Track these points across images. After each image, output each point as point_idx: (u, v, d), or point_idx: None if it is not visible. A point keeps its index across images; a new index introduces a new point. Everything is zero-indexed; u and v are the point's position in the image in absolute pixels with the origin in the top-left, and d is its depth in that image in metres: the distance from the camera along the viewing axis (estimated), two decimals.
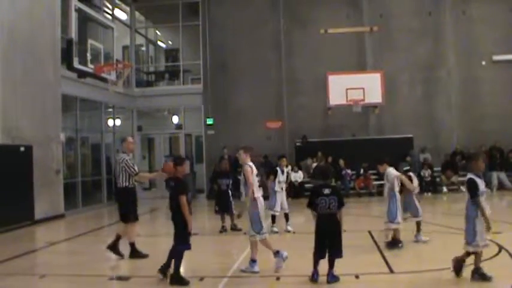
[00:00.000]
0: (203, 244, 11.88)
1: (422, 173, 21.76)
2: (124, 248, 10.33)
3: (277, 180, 13.03)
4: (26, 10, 16.11)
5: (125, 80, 20.63)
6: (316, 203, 7.81)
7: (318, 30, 23.24)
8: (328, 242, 7.78)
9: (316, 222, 7.89)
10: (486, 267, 8.46)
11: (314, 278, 7.78)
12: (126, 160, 10.11)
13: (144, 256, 10.17)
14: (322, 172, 8.35)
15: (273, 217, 13.05)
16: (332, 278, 7.72)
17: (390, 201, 10.25)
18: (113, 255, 10.23)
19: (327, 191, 7.87)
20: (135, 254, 10.24)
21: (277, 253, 8.51)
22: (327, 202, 7.79)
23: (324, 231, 7.79)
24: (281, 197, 13.05)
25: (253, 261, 8.46)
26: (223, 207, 13.26)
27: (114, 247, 10.29)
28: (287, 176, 13.56)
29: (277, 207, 12.95)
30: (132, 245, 10.30)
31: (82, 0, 17.46)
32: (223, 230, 13.14)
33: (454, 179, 21.97)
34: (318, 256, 7.80)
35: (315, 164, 22.62)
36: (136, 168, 10.18)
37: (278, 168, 13.26)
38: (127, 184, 10.15)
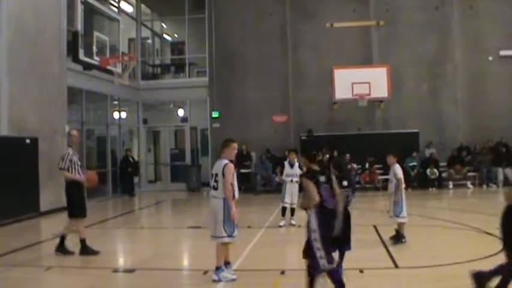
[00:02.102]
0: (207, 238, 11.91)
1: (428, 172, 21.72)
2: (101, 244, 10.31)
3: (284, 173, 13.21)
4: (31, 2, 16.12)
5: (131, 72, 20.61)
6: None
7: (324, 24, 23.17)
8: (342, 234, 7.80)
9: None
10: (491, 263, 8.46)
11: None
12: (64, 153, 9.98)
13: (71, 253, 9.93)
14: (337, 165, 8.34)
15: (283, 209, 13.15)
16: (342, 270, 7.76)
17: (396, 195, 10.23)
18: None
19: (345, 183, 7.94)
20: (62, 249, 9.97)
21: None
22: (344, 195, 7.84)
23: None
24: (291, 189, 13.10)
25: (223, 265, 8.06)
26: None
27: (62, 247, 10.07)
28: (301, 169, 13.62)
29: (286, 199, 13.04)
30: (83, 241, 10.02)
31: None
32: None
33: (463, 172, 21.94)
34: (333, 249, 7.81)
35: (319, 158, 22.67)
36: (65, 164, 9.82)
37: (286, 162, 13.41)
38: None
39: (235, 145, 8.17)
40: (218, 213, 7.79)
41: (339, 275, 6.35)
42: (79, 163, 10.11)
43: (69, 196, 10.08)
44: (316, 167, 6.63)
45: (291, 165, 13.25)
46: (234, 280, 7.79)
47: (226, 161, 7.92)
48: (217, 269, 7.83)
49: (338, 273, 6.36)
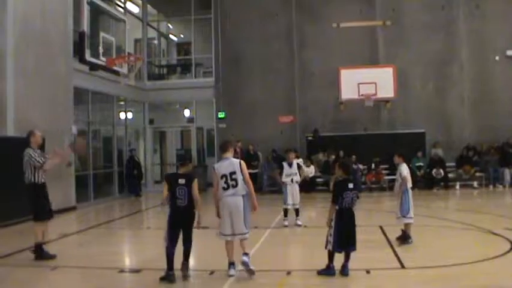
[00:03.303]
0: (213, 238, 11.90)
1: (434, 172, 21.61)
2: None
3: (284, 173, 13.21)
4: (38, 2, 16.15)
5: (137, 73, 20.64)
6: (342, 197, 7.95)
7: (331, 24, 23.07)
8: (347, 235, 7.92)
9: (337, 216, 7.97)
10: (498, 263, 8.45)
11: (332, 271, 7.91)
12: (30, 154, 9.70)
13: (52, 257, 9.60)
14: (346, 167, 8.36)
15: (285, 211, 13.16)
16: (348, 270, 7.89)
17: (403, 196, 10.18)
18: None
19: (350, 185, 8.03)
20: (41, 255, 9.58)
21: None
22: (350, 196, 7.98)
23: (346, 224, 7.93)
24: (292, 190, 13.15)
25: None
26: None
27: (41, 253, 9.67)
28: (299, 169, 13.65)
29: (289, 201, 13.07)
30: (40, 245, 9.64)
31: None
32: None
33: (472, 172, 21.87)
34: (337, 250, 7.93)
35: (325, 159, 22.65)
36: (41, 160, 9.66)
37: (284, 162, 13.47)
38: (33, 179, 9.75)
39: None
40: (241, 210, 8.04)
41: (172, 255, 7.86)
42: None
43: (33, 198, 9.77)
44: (182, 172, 8.18)
45: (290, 165, 13.33)
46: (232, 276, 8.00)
47: (237, 159, 8.28)
48: (247, 254, 8.05)
49: (172, 253, 7.86)
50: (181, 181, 7.95)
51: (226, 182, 8.04)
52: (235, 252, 8.15)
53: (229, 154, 8.31)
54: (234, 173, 8.05)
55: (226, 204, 8.06)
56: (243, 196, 8.07)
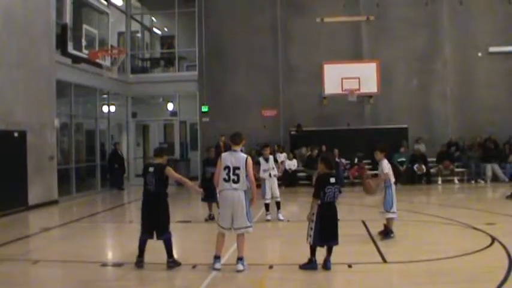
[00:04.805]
0: (196, 232, 11.88)
1: (415, 167, 21.68)
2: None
3: (261, 169, 13.26)
4: None
5: (120, 66, 20.50)
6: (324, 192, 7.95)
7: (315, 19, 23.13)
8: (329, 229, 7.93)
9: (318, 210, 7.97)
10: (479, 258, 8.53)
11: (314, 265, 7.96)
12: None
13: None
14: (328, 161, 8.35)
15: (266, 205, 13.18)
16: (330, 264, 7.93)
17: (386, 191, 10.21)
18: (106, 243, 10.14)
19: (332, 180, 8.04)
20: None
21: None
22: (332, 191, 7.99)
23: (327, 219, 7.94)
24: (270, 185, 13.23)
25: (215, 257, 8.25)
26: (209, 195, 12.27)
27: None
28: (277, 163, 13.93)
29: (267, 195, 13.14)
30: None
31: None
32: (209, 218, 13.06)
33: (452, 168, 22.01)
34: (318, 244, 7.98)
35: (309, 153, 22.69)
36: None
37: (261, 158, 13.58)
38: None
39: None
40: (243, 203, 8.04)
41: (143, 243, 8.42)
42: None
43: None
44: (156, 162, 8.73)
45: (266, 160, 13.40)
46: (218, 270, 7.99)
47: (244, 154, 8.25)
48: (242, 259, 8.04)
49: (142, 241, 8.43)
50: (151, 169, 8.56)
51: (227, 174, 8.01)
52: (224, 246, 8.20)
53: (239, 146, 8.28)
54: (238, 168, 8.01)
55: (228, 197, 8.04)
56: (244, 191, 8.07)
